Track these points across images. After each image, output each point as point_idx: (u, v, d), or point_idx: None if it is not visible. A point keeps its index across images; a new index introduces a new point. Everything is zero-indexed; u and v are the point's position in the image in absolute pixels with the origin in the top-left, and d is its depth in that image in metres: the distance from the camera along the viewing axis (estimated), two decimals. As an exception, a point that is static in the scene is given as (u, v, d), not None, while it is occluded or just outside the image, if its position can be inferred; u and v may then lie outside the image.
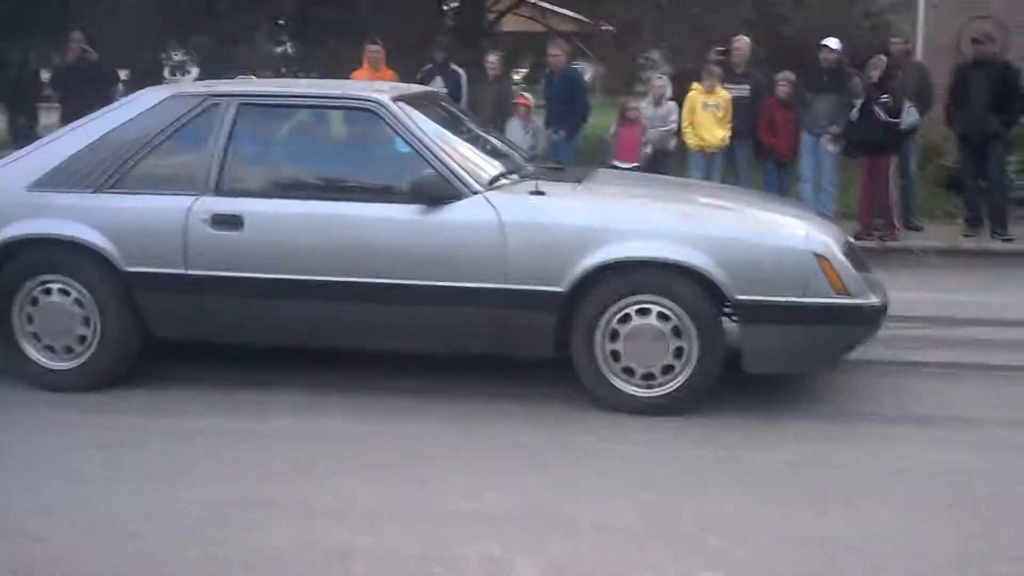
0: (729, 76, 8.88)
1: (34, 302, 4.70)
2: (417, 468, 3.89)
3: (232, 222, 4.53)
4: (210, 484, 3.73)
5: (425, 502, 3.60)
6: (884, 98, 8.42)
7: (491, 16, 14.88)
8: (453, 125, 5.26)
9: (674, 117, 8.79)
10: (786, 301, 4.25)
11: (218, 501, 3.59)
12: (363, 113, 4.70)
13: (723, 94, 8.60)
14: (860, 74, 8.65)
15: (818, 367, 4.69)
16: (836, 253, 4.35)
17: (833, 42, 8.68)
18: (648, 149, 8.68)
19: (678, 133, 8.79)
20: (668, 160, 8.81)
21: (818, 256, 4.28)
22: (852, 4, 12.53)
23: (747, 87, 8.83)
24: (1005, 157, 9.05)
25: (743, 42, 9.12)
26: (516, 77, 18.81)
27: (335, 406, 4.58)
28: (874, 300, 4.36)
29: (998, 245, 8.62)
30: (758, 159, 9.04)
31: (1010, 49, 9.94)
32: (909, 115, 8.56)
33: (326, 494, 3.65)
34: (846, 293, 4.27)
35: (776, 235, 4.43)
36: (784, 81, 8.75)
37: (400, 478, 3.80)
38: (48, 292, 4.69)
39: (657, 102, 8.92)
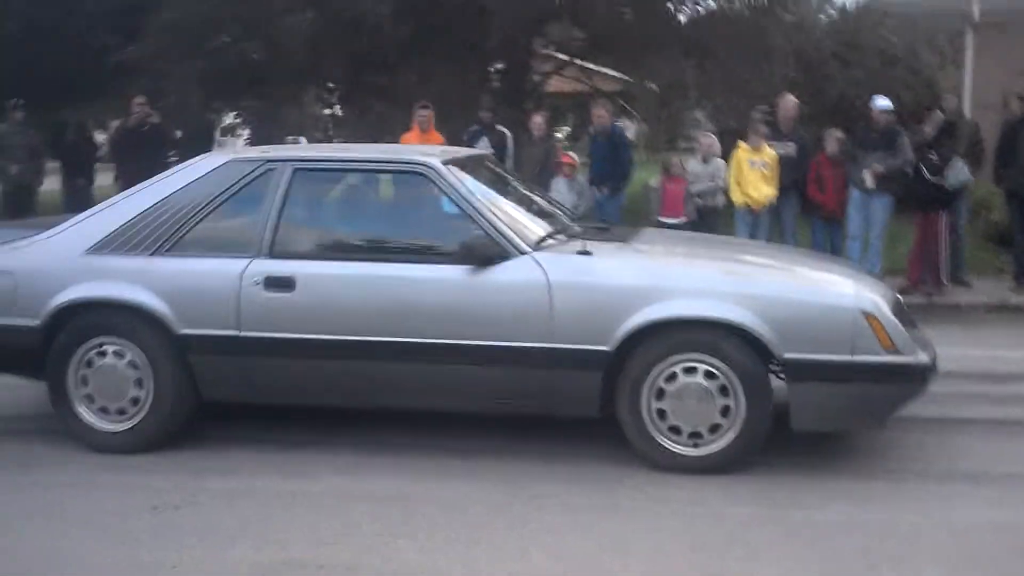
0: (775, 135, 8.93)
1: (89, 364, 4.79)
2: (464, 528, 3.91)
3: (284, 284, 4.62)
4: (260, 545, 3.77)
5: (472, 563, 3.61)
6: (931, 156, 8.42)
7: (536, 77, 15.08)
8: (501, 186, 5.34)
9: (722, 174, 8.84)
10: (834, 359, 4.25)
11: (268, 563, 3.62)
12: (414, 176, 4.80)
13: (769, 152, 8.64)
14: (909, 131, 8.65)
15: (867, 425, 4.66)
16: (885, 311, 4.34)
17: (886, 101, 8.70)
18: (697, 203, 8.73)
19: (725, 191, 8.82)
20: (715, 217, 8.86)
21: (866, 314, 4.27)
22: (896, 63, 12.54)
23: (792, 145, 8.86)
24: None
25: (789, 101, 9.18)
26: (560, 136, 18.97)
27: (383, 466, 4.61)
28: (923, 358, 4.34)
29: (1048, 301, 8.50)
30: (807, 216, 9.03)
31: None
32: (959, 173, 8.52)
33: (374, 556, 3.67)
34: (895, 351, 4.26)
35: (824, 293, 4.44)
36: (832, 138, 8.80)
37: (447, 539, 3.82)
38: (103, 354, 4.78)
39: (705, 159, 8.99)
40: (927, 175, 8.42)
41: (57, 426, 4.94)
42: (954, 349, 5.88)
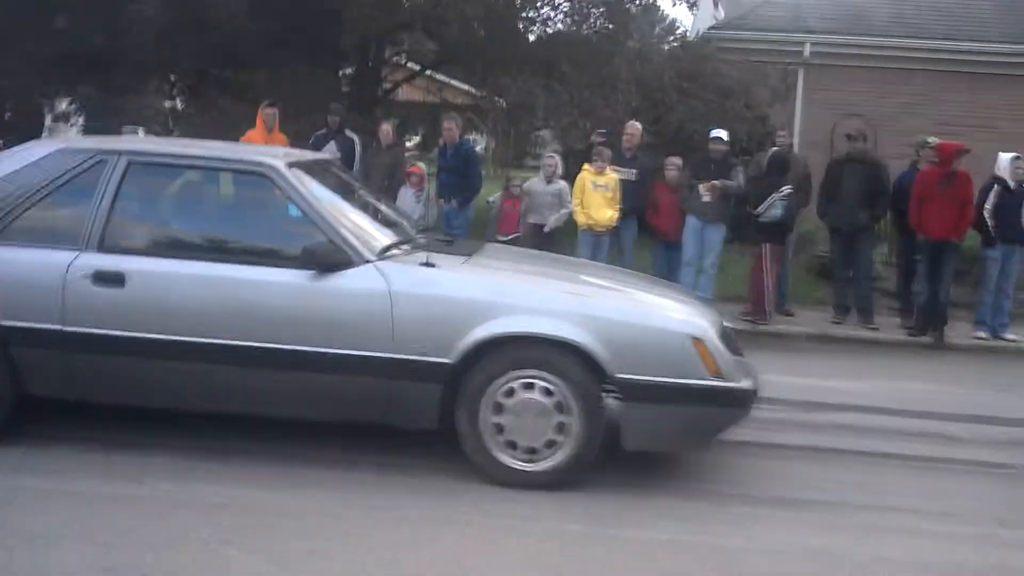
0: (618, 159, 9.17)
1: None
2: (298, 539, 3.84)
3: (114, 279, 4.45)
4: (83, 550, 3.61)
5: (304, 575, 3.55)
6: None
7: (387, 85, 15.02)
8: (346, 193, 5.29)
9: (567, 196, 9.01)
10: (663, 381, 4.38)
11: (90, 568, 3.48)
12: (256, 177, 4.71)
13: (612, 176, 8.87)
14: (744, 164, 9.04)
15: (692, 447, 4.82)
16: (712, 336, 4.51)
17: (723, 133, 9.08)
18: (546, 229, 8.88)
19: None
20: (554, 237, 9.01)
21: (694, 339, 4.43)
22: (731, 96, 13.08)
23: (634, 171, 9.11)
24: (872, 249, 9.54)
25: (635, 128, 9.46)
26: (408, 146, 18.95)
27: (216, 472, 4.49)
28: (746, 384, 4.54)
29: (864, 333, 9.03)
30: (650, 239, 9.30)
31: (878, 147, 10.54)
32: (776, 208, 8.86)
33: (202, 565, 3.57)
34: (720, 376, 4.42)
35: (656, 316, 4.58)
36: (672, 166, 9.10)
37: (280, 548, 3.74)
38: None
39: (548, 180, 9.14)
40: (748, 208, 8.84)
41: None
42: (776, 377, 6.13)
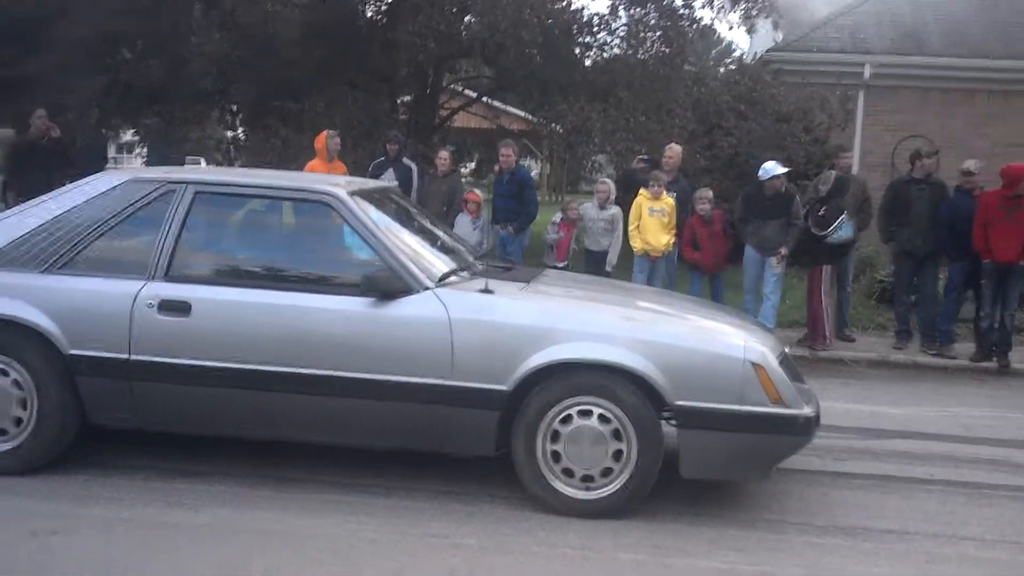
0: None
1: None
2: (351, 567, 3.87)
3: (179, 308, 4.54)
4: (139, 578, 3.68)
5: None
6: (820, 212, 8.68)
7: (443, 112, 15.16)
8: (406, 220, 5.35)
9: (619, 222, 8.99)
10: (722, 408, 4.35)
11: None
12: (319, 206, 4.78)
13: (668, 200, 8.83)
14: (800, 189, 8.90)
15: (752, 475, 4.76)
16: (772, 362, 4.47)
17: (778, 169, 8.66)
18: (609, 269, 8.87)
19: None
20: (605, 260, 9.00)
21: (755, 365, 4.39)
22: (790, 120, 13.00)
23: (674, 194, 9.01)
24: (938, 273, 9.36)
25: (675, 150, 9.39)
26: (464, 172, 19.09)
27: (271, 499, 4.54)
28: (807, 411, 4.48)
29: (927, 359, 8.87)
30: (689, 269, 9.19)
31: (939, 169, 10.38)
32: (841, 230, 8.76)
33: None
34: (781, 403, 4.38)
35: (715, 342, 4.54)
36: (703, 199, 8.83)
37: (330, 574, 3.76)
38: (-12, 373, 4.64)
39: (602, 205, 9.13)
40: (814, 230, 8.69)
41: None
42: (837, 403, 6.09)
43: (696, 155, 12.04)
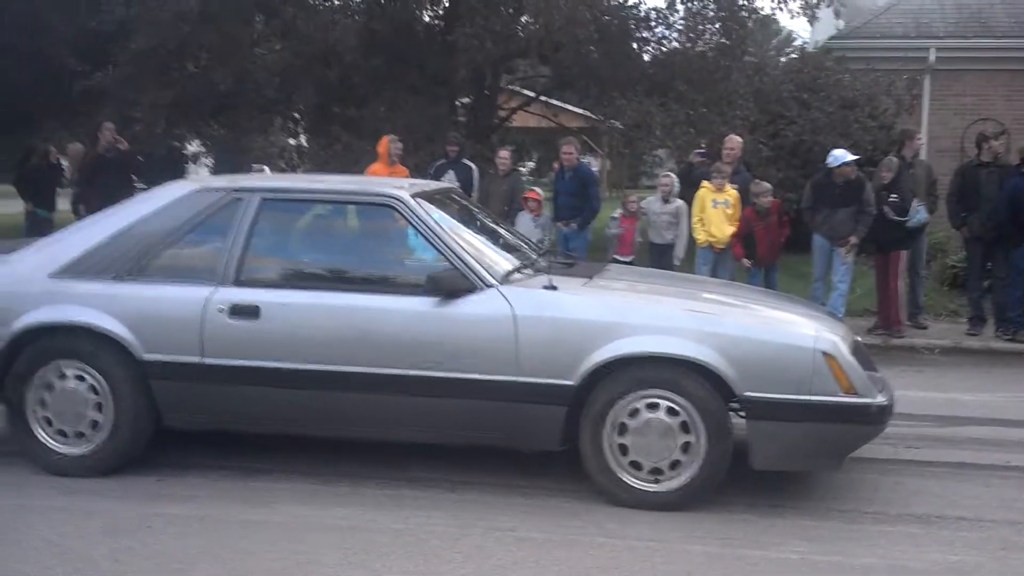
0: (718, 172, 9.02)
1: (49, 387, 4.77)
2: (420, 561, 3.90)
3: (249, 312, 4.62)
4: (215, 573, 3.75)
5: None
6: (893, 198, 8.53)
7: (502, 112, 15.20)
8: (469, 220, 5.38)
9: (684, 215, 8.93)
10: (793, 399, 4.30)
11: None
12: (383, 208, 4.84)
13: (732, 192, 8.74)
14: (869, 178, 8.74)
15: (824, 465, 4.70)
16: (843, 352, 4.41)
17: (847, 156, 8.49)
18: (676, 263, 8.84)
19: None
20: (670, 254, 8.95)
21: (825, 354, 4.34)
22: (854, 107, 12.80)
23: (736, 186, 8.90)
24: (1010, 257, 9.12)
25: (735, 141, 9.27)
26: (523, 170, 19.12)
27: (342, 496, 4.61)
28: (880, 399, 4.41)
29: (1001, 344, 8.66)
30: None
31: (1009, 152, 10.14)
32: (918, 214, 8.61)
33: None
34: (853, 392, 4.32)
35: (784, 333, 4.50)
36: (763, 193, 8.66)
37: (402, 571, 3.81)
38: (63, 377, 4.76)
39: (665, 199, 9.08)
40: (891, 215, 8.51)
41: (12, 448, 4.89)
42: (911, 391, 5.98)
43: (759, 145, 11.91)
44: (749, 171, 9.60)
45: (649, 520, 4.34)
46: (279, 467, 4.94)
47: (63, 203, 11.29)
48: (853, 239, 8.47)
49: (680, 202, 9.05)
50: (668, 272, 6.80)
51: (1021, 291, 8.74)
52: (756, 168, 11.55)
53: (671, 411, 4.40)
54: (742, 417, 4.46)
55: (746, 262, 8.66)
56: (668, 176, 9.46)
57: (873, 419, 4.42)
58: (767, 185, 8.83)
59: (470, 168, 9.95)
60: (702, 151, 10.05)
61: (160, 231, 4.85)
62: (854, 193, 8.45)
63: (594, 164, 17.43)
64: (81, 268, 4.82)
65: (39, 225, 10.42)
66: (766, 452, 4.41)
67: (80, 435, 4.78)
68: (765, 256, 8.69)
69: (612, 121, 13.36)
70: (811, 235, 8.79)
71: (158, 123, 11.53)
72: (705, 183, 8.78)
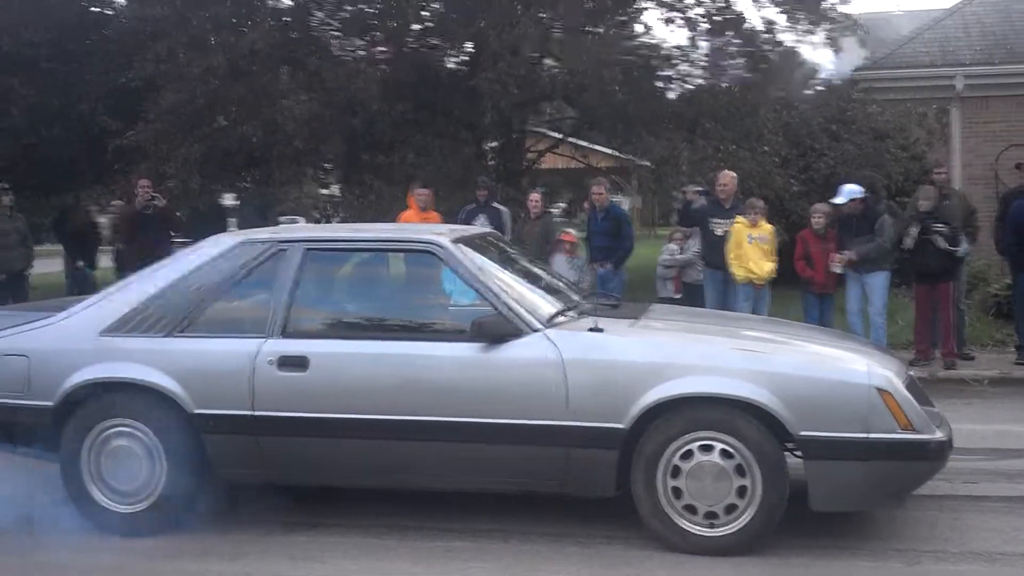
0: (715, 210, 9.02)
1: (103, 444, 4.78)
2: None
3: (298, 363, 4.62)
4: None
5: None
6: (939, 227, 8.49)
7: (531, 155, 15.26)
8: (509, 264, 5.37)
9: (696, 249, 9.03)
10: (850, 437, 4.23)
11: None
12: (424, 255, 4.83)
13: (767, 227, 8.69)
14: (901, 207, 8.71)
15: (885, 504, 4.61)
16: (899, 387, 4.34)
17: (856, 191, 8.57)
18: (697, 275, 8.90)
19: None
20: (698, 292, 8.94)
21: (881, 391, 4.27)
22: (885, 138, 12.76)
23: (731, 221, 8.78)
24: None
25: (728, 177, 9.20)
26: (555, 211, 19.16)
27: (394, 549, 4.56)
28: (939, 435, 4.33)
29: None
30: (800, 290, 9.03)
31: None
32: (964, 242, 8.58)
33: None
34: (911, 428, 4.24)
35: (837, 370, 4.43)
36: (818, 213, 8.79)
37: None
38: (117, 434, 4.77)
39: (681, 248, 9.23)
40: (942, 244, 8.47)
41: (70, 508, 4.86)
42: (961, 424, 5.84)
43: (790, 180, 11.87)
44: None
45: (704, 565, 4.26)
46: (327, 521, 4.90)
47: (104, 260, 11.41)
48: (849, 254, 8.44)
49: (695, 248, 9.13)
50: (712, 311, 6.74)
51: None
52: (788, 202, 11.53)
53: (725, 453, 4.33)
54: (799, 457, 4.38)
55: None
56: (679, 231, 9.59)
57: (932, 455, 4.33)
58: (825, 207, 8.83)
59: (501, 212, 9.95)
60: (700, 189, 10.04)
61: (207, 285, 4.88)
62: (867, 224, 8.52)
63: (624, 203, 17.44)
64: (130, 324, 4.84)
65: (82, 283, 10.51)
66: (825, 493, 4.32)
67: (132, 493, 4.77)
68: (822, 282, 8.64)
69: (640, 159, 13.37)
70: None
71: (192, 178, 11.64)
72: (740, 219, 8.73)
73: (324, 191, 15.07)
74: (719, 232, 8.79)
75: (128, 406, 4.75)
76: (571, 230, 10.18)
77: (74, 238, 11.22)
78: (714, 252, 8.85)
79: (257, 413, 4.63)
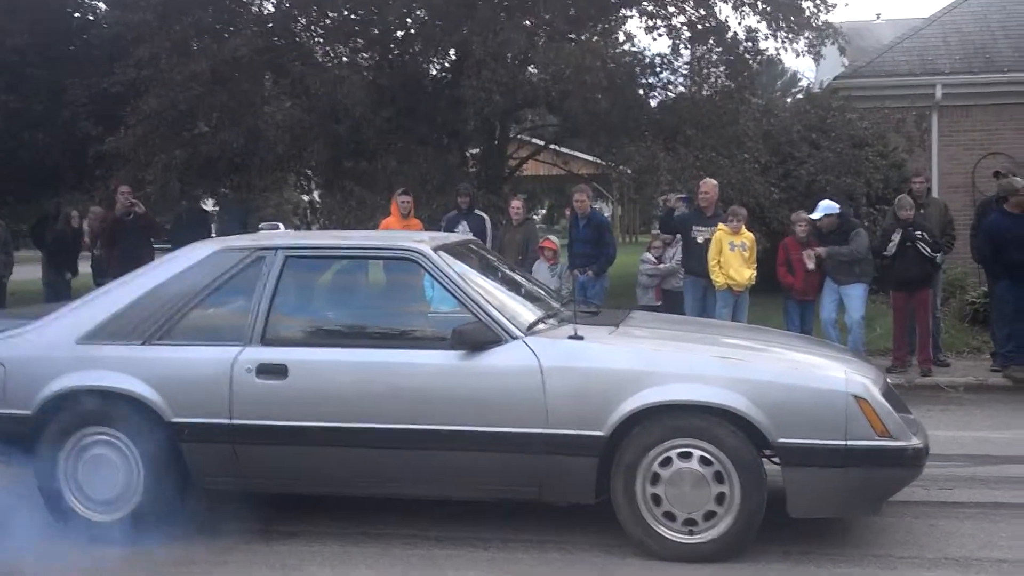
0: (696, 219, 9.09)
1: (80, 453, 4.75)
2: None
3: (277, 371, 4.60)
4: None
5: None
6: (920, 234, 8.58)
7: (512, 162, 15.27)
8: (490, 271, 5.37)
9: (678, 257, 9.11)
10: (827, 444, 4.25)
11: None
12: (405, 262, 4.83)
13: (748, 235, 8.76)
14: (882, 216, 8.80)
15: (862, 511, 4.63)
16: (876, 394, 4.36)
17: (832, 208, 8.75)
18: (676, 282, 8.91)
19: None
20: (678, 299, 8.98)
21: (858, 398, 4.29)
22: (864, 146, 12.84)
23: (713, 229, 8.87)
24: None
25: (710, 184, 9.28)
26: (535, 218, 19.18)
27: (373, 557, 4.55)
28: (916, 442, 4.35)
29: (1027, 379, 8.59)
30: (781, 297, 9.10)
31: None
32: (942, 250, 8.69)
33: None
34: (888, 435, 4.27)
35: (814, 377, 4.45)
36: (801, 221, 8.88)
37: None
38: (94, 443, 4.74)
39: (659, 258, 9.30)
40: (926, 251, 8.57)
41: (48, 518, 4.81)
42: (938, 431, 5.90)
43: (770, 188, 11.93)
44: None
45: (683, 572, 4.27)
46: (307, 529, 4.89)
47: (84, 266, 11.35)
48: (820, 250, 8.60)
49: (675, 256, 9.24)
50: (692, 318, 6.77)
51: (1006, 326, 8.69)
52: (768, 210, 11.58)
53: (704, 460, 4.34)
54: (776, 464, 4.40)
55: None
56: (658, 239, 9.75)
57: (909, 462, 4.36)
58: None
59: (483, 219, 9.97)
60: (683, 196, 10.11)
61: (185, 292, 4.85)
62: (842, 236, 8.68)
63: (606, 210, 17.49)
64: (108, 332, 4.82)
65: (60, 290, 10.45)
66: (802, 499, 4.34)
67: (110, 502, 4.74)
68: (801, 288, 8.71)
69: (621, 167, 13.40)
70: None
71: (171, 184, 11.60)
72: (722, 226, 8.78)
73: (305, 197, 15.04)
74: (700, 239, 8.85)
75: (106, 414, 4.72)
76: (552, 237, 10.18)
77: (54, 244, 11.13)
78: (695, 259, 8.91)
79: (235, 422, 4.61)
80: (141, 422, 4.68)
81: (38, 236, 11.46)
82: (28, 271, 11.72)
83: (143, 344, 4.76)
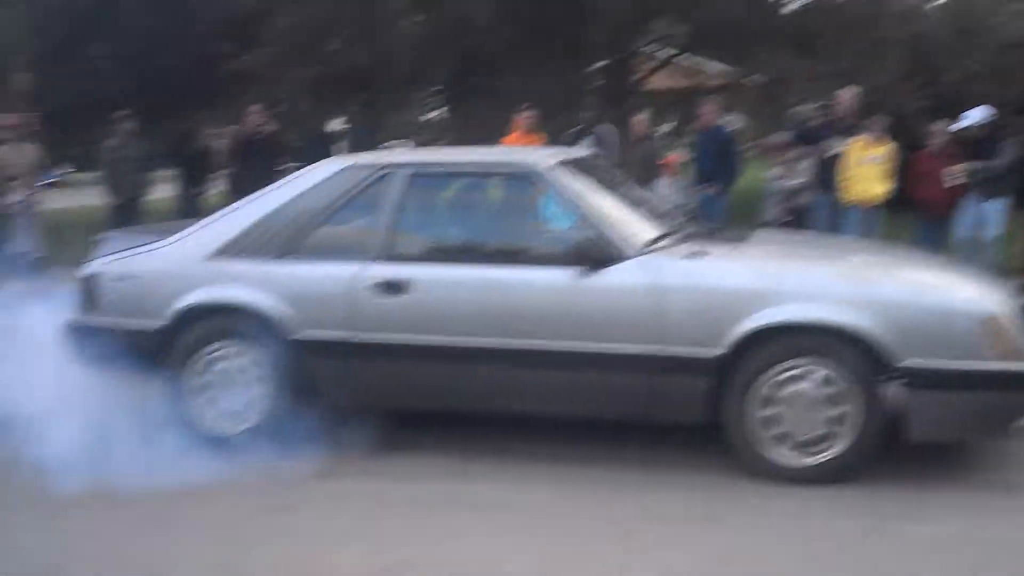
0: (834, 131, 8.69)
1: (208, 366, 4.95)
2: (563, 538, 3.89)
3: (398, 288, 4.69)
4: (363, 549, 3.83)
5: (570, 574, 3.60)
6: None
7: (637, 75, 14.97)
8: (612, 188, 5.26)
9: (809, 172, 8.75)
10: (955, 366, 4.11)
11: (370, 567, 3.68)
12: (526, 179, 4.81)
13: (885, 147, 8.36)
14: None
15: (988, 435, 4.49)
16: (1007, 315, 4.19)
17: (974, 117, 8.30)
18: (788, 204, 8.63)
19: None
20: (807, 216, 8.72)
21: (988, 319, 4.13)
22: (1014, 49, 12.06)
23: (849, 142, 8.52)
24: None
25: (849, 94, 8.87)
26: (661, 133, 18.78)
27: (487, 472, 4.61)
28: (1048, 365, 4.16)
29: None
30: (912, 216, 8.74)
31: None
32: None
33: (474, 562, 3.71)
34: (1019, 357, 4.10)
35: (944, 297, 4.27)
36: (938, 133, 8.45)
37: (545, 548, 3.81)
38: (224, 356, 4.94)
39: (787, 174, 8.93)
40: None
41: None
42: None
43: (914, 96, 11.36)
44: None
45: (795, 495, 4.21)
46: (426, 443, 4.97)
47: (215, 186, 11.69)
48: (960, 166, 8.13)
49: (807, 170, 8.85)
50: (819, 235, 6.56)
51: None
52: (910, 121, 11.05)
53: (822, 381, 4.25)
54: (902, 386, 4.24)
55: None
56: (788, 153, 9.26)
57: (1041, 386, 4.17)
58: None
59: (606, 133, 9.84)
60: (819, 106, 9.67)
61: (312, 210, 4.95)
62: (990, 148, 8.17)
63: (735, 124, 17.04)
64: (237, 248, 4.98)
65: (194, 207, 10.81)
66: (925, 423, 4.20)
67: (236, 414, 4.92)
68: (939, 202, 8.31)
69: (752, 77, 12.98)
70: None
71: (303, 102, 11.79)
72: (858, 138, 8.42)
73: (431, 115, 15.11)
74: (834, 152, 8.52)
75: (234, 328, 4.90)
76: (676, 152, 9.99)
77: (188, 163, 11.50)
78: (827, 173, 8.59)
79: (357, 337, 4.73)
80: (268, 337, 4.83)
81: (174, 155, 11.83)
82: (164, 189, 12.13)
83: (270, 260, 4.90)
